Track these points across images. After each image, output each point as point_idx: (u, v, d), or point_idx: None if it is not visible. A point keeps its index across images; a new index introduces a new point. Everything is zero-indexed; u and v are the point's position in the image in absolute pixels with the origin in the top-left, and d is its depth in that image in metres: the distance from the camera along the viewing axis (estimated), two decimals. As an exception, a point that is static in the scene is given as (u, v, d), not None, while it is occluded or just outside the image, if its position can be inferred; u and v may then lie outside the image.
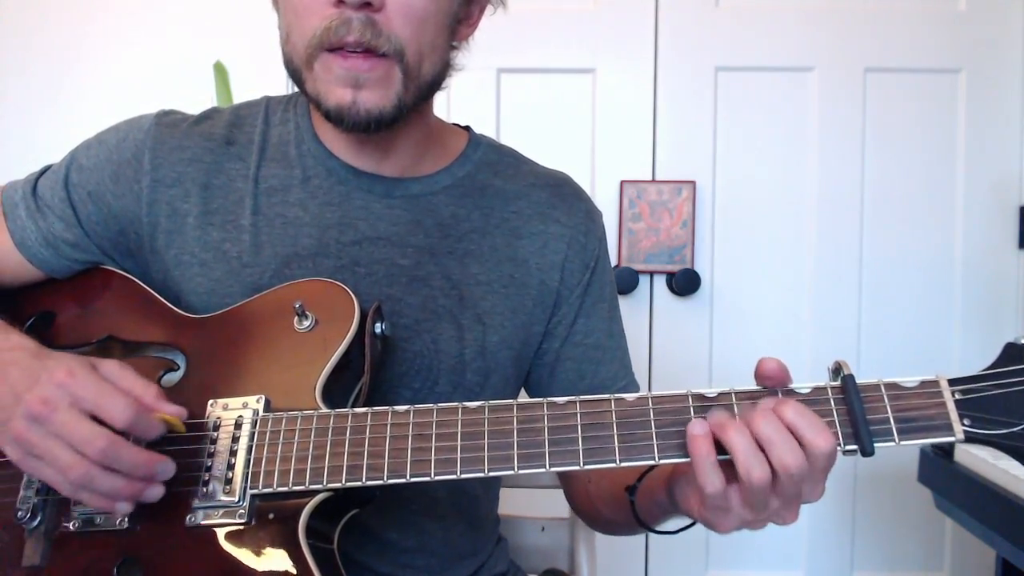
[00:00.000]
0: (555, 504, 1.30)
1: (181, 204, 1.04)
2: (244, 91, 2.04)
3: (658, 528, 0.96)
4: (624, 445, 0.79)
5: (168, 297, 1.03)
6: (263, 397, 0.88)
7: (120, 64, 2.23)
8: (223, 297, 1.00)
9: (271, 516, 0.84)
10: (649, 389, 2.26)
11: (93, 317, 1.03)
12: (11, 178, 1.11)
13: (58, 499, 0.87)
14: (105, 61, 2.23)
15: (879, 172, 2.24)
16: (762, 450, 0.75)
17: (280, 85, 2.18)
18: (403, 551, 1.06)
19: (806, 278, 2.26)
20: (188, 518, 0.84)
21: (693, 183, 2.22)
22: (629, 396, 0.81)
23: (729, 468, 0.76)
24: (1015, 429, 0.75)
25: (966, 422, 0.76)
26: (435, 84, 1.01)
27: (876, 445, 0.76)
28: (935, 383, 0.78)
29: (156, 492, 0.83)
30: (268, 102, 1.12)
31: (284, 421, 0.86)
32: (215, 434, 0.87)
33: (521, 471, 0.80)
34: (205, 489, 0.85)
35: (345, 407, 0.88)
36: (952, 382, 0.77)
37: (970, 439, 0.76)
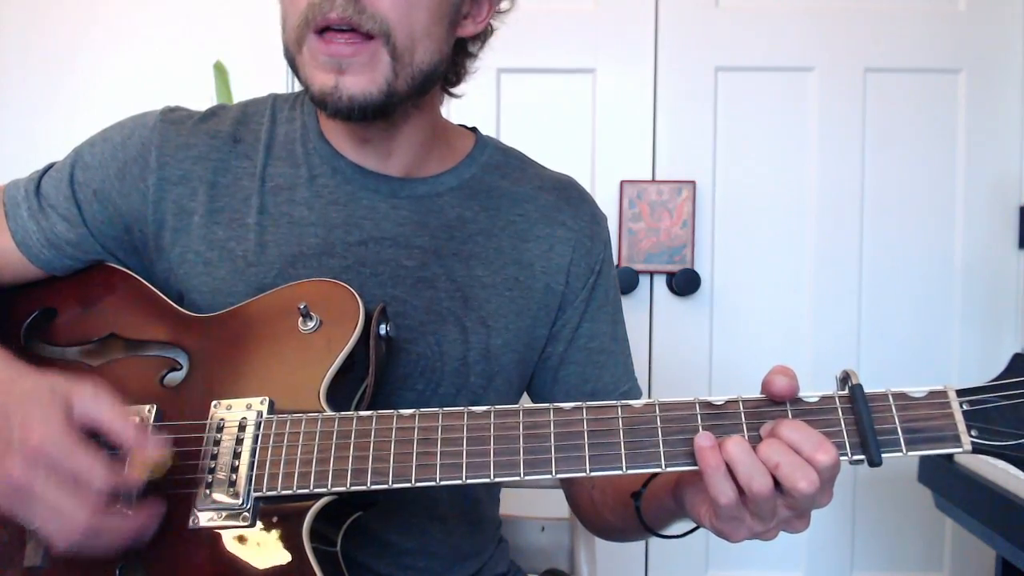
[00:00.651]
0: (555, 504, 1.30)
1: (188, 202, 1.03)
2: (244, 91, 2.03)
3: (664, 532, 0.96)
4: (631, 452, 0.79)
5: (172, 295, 1.02)
6: (267, 398, 0.88)
7: (120, 64, 2.22)
8: (227, 296, 1.00)
9: (275, 519, 0.83)
10: (649, 389, 2.27)
11: (95, 314, 1.03)
12: (11, 178, 1.10)
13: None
14: (105, 61, 2.23)
15: (879, 172, 2.24)
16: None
17: (280, 85, 2.19)
18: (404, 552, 1.06)
19: (806, 278, 2.26)
20: (191, 520, 0.84)
21: (693, 183, 2.22)
22: (636, 403, 0.81)
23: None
24: (1022, 440, 0.75)
25: (974, 433, 0.76)
26: (433, 75, 0.99)
27: (884, 455, 0.75)
28: (943, 393, 0.77)
29: (144, 539, 0.81)
30: (275, 100, 1.12)
31: (288, 423, 0.85)
32: (218, 435, 0.87)
33: (527, 477, 0.79)
34: (208, 491, 0.84)
35: (349, 409, 0.88)
36: (960, 393, 0.77)
37: (978, 450, 0.76)
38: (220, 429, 0.87)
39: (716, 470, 0.75)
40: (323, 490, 0.82)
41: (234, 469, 0.84)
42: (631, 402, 0.81)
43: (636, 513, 0.95)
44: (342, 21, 0.89)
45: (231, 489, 0.84)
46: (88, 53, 2.23)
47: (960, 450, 0.76)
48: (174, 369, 0.95)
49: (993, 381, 0.78)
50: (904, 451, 0.76)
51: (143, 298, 1.02)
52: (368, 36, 0.91)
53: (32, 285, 1.06)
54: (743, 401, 0.80)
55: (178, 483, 0.85)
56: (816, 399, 0.79)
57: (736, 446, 0.75)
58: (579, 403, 0.82)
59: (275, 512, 0.83)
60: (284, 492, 0.82)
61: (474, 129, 1.18)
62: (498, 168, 1.13)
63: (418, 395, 1.02)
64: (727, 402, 0.80)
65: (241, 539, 0.83)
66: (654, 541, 2.30)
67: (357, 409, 0.87)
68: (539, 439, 0.80)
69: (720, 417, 0.79)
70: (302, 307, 0.92)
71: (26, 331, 1.02)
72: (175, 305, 1.01)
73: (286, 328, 0.93)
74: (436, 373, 1.03)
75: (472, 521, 1.13)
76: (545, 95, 2.26)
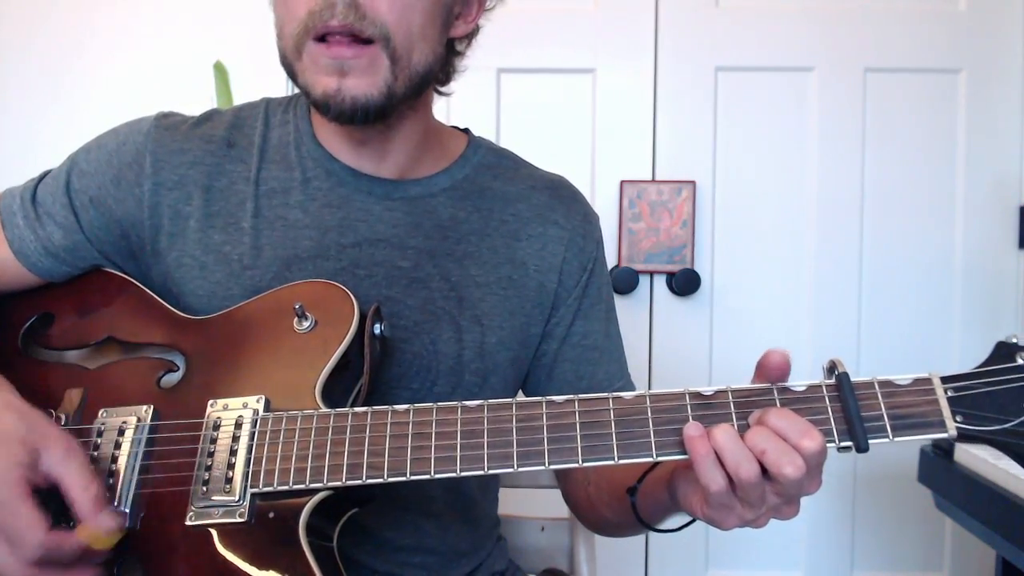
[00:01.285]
0: (555, 504, 1.30)
1: (183, 207, 1.04)
2: (244, 91, 2.05)
3: (659, 526, 0.97)
4: (622, 443, 0.80)
5: (168, 299, 1.03)
6: (263, 397, 0.89)
7: (120, 64, 2.23)
8: (223, 299, 1.00)
9: (271, 515, 0.84)
10: (648, 389, 2.26)
11: (92, 318, 1.03)
12: (11, 179, 1.10)
13: (57, 499, 0.87)
14: (105, 61, 2.23)
15: (879, 172, 2.24)
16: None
17: (280, 85, 2.18)
18: (399, 549, 1.06)
19: (806, 278, 2.26)
20: (188, 517, 0.84)
21: (693, 183, 2.22)
22: (627, 395, 0.82)
23: None
24: (1007, 426, 0.77)
25: (959, 419, 0.77)
26: (428, 76, 1.00)
27: (871, 441, 0.77)
28: (928, 380, 0.79)
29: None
30: (268, 104, 1.12)
31: (284, 420, 0.86)
32: (215, 434, 0.87)
33: (520, 469, 0.80)
34: (205, 488, 0.85)
35: (344, 407, 0.88)
36: (945, 379, 0.79)
37: (963, 435, 0.78)
38: (217, 427, 0.88)
39: (705, 458, 0.76)
40: (319, 485, 0.83)
41: (231, 466, 0.85)
42: (622, 394, 0.82)
43: (632, 508, 0.95)
44: (343, 28, 0.90)
45: (227, 486, 0.84)
46: (88, 53, 2.23)
47: (945, 435, 0.77)
48: (171, 371, 0.95)
49: (977, 368, 0.79)
50: (891, 437, 0.77)
51: (140, 301, 1.03)
52: (368, 41, 0.91)
53: (29, 290, 1.07)
54: (732, 391, 0.81)
55: (175, 481, 0.85)
56: (803, 388, 0.80)
57: (723, 434, 0.76)
58: (571, 396, 0.83)
59: (271, 508, 0.84)
60: (280, 488, 0.83)
61: (466, 130, 1.19)
62: (491, 168, 1.14)
63: (413, 394, 1.03)
64: (716, 392, 0.81)
65: (238, 536, 0.83)
66: (654, 540, 2.31)
67: (353, 408, 0.87)
68: (532, 431, 0.81)
69: (709, 407, 0.80)
70: (297, 307, 0.92)
71: (24, 336, 1.03)
72: (171, 308, 1.02)
73: (282, 328, 0.93)
74: (431, 372, 1.03)
75: (468, 518, 1.13)
76: (545, 95, 2.26)
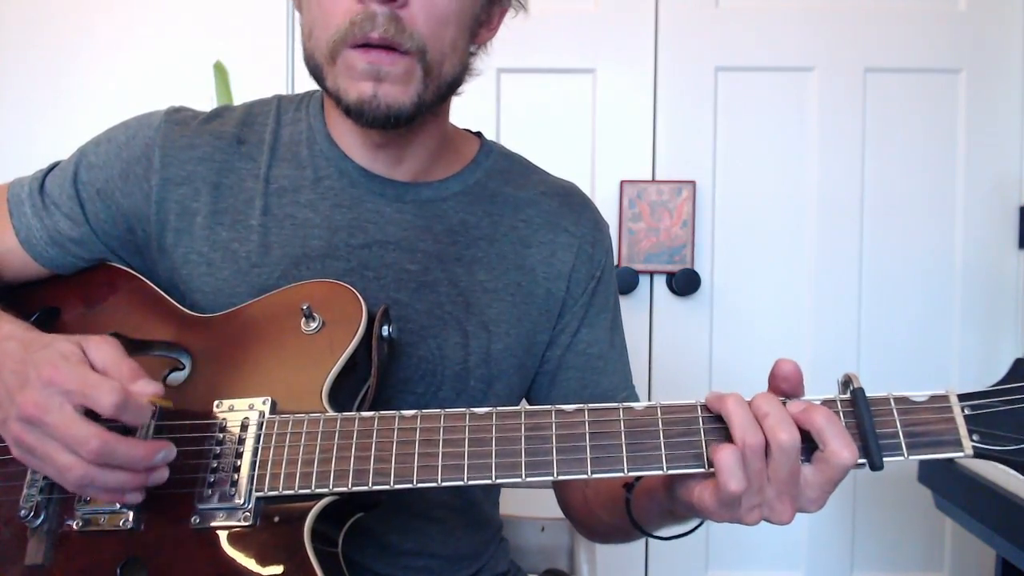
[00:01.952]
0: (555, 504, 1.30)
1: (191, 203, 1.03)
2: (244, 91, 2.05)
3: (652, 530, 0.95)
4: (632, 454, 0.79)
5: (174, 296, 1.02)
6: (269, 399, 0.88)
7: (120, 64, 2.22)
8: (230, 297, 1.00)
9: (276, 519, 0.83)
10: (649, 389, 2.26)
11: (98, 314, 1.03)
12: (11, 178, 1.10)
13: (62, 498, 0.87)
14: (105, 61, 2.23)
15: (879, 172, 2.24)
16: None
17: (280, 85, 2.19)
18: (403, 553, 1.06)
19: (806, 278, 2.26)
20: (193, 519, 0.84)
21: (693, 183, 2.22)
22: (637, 405, 0.81)
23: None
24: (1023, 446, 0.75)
25: (975, 438, 0.76)
26: (454, 85, 1.01)
27: (885, 459, 0.76)
28: (945, 398, 0.78)
29: (161, 476, 0.82)
30: (280, 101, 1.12)
31: (290, 423, 0.85)
32: (221, 435, 0.87)
33: (529, 479, 0.79)
34: (210, 491, 0.84)
35: (351, 410, 0.88)
36: (961, 397, 0.77)
37: (979, 455, 0.76)
38: (222, 429, 0.87)
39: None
40: (325, 490, 0.82)
41: (236, 469, 0.85)
42: (632, 404, 0.81)
43: (626, 505, 0.94)
44: (382, 40, 0.90)
45: (233, 489, 0.84)
46: (88, 53, 2.23)
47: (961, 454, 0.76)
48: (176, 369, 0.95)
49: (995, 386, 0.78)
50: (906, 455, 0.76)
51: (146, 298, 1.03)
52: (405, 52, 0.92)
53: (35, 284, 1.07)
54: (748, 404, 0.79)
55: (180, 483, 0.85)
56: (818, 403, 0.78)
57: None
58: (581, 405, 0.82)
59: (277, 512, 0.83)
60: (286, 492, 0.83)
61: (479, 134, 1.18)
62: (502, 173, 1.14)
63: (418, 398, 1.02)
64: None
65: (242, 539, 0.83)
66: (654, 541, 2.30)
67: (359, 410, 0.87)
68: (541, 440, 0.80)
69: (721, 420, 0.78)
70: (305, 308, 0.92)
71: (16, 319, 1.02)
72: (178, 305, 1.01)
73: (289, 329, 0.93)
74: (436, 377, 1.03)
75: (472, 522, 1.13)
76: (545, 95, 2.26)
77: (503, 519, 1.28)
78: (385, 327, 0.93)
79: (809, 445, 0.76)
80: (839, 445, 0.74)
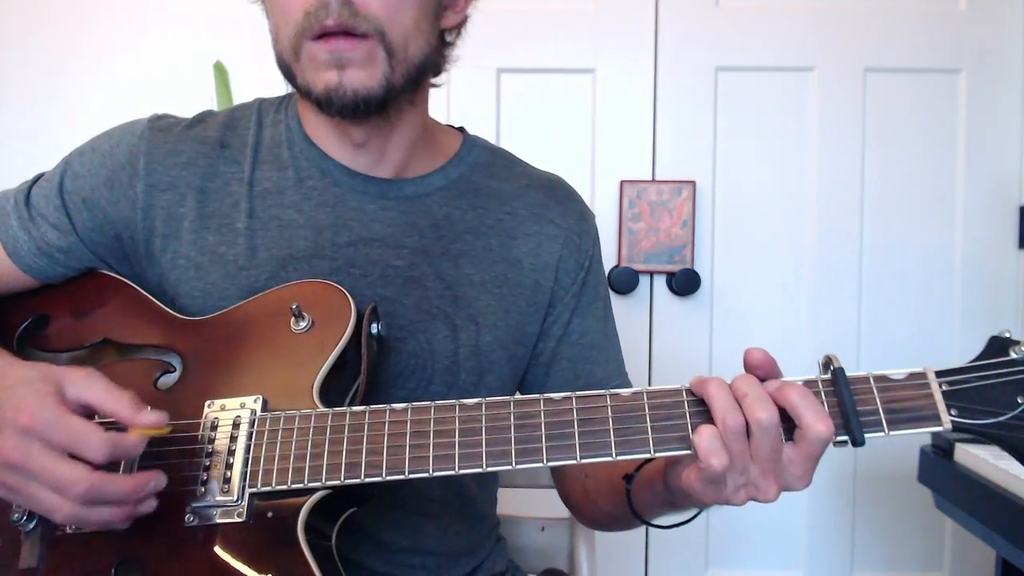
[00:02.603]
0: (555, 504, 1.30)
1: (177, 208, 1.04)
2: (244, 91, 2.05)
3: (652, 520, 0.97)
4: (620, 439, 0.80)
5: (164, 301, 1.03)
6: (260, 397, 0.89)
7: (120, 64, 2.23)
8: (219, 300, 1.00)
9: (270, 515, 0.84)
10: (643, 386, 2.26)
11: (88, 320, 1.03)
12: (11, 179, 1.11)
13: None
14: (105, 61, 2.23)
15: (879, 172, 2.24)
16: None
17: (280, 85, 2.17)
18: (398, 551, 1.06)
19: (806, 278, 2.26)
20: (186, 518, 0.84)
21: (693, 183, 2.22)
22: (624, 391, 0.83)
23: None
24: (1000, 419, 0.78)
25: (953, 412, 0.79)
26: (424, 67, 1.01)
27: (866, 435, 0.78)
28: (922, 375, 0.80)
29: (149, 506, 0.83)
30: (260, 104, 1.13)
31: (282, 420, 0.86)
32: (213, 434, 0.87)
33: (519, 466, 0.81)
34: (203, 489, 0.85)
35: (342, 407, 0.88)
36: (939, 373, 0.81)
37: (957, 428, 0.79)
38: (214, 428, 0.88)
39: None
40: (317, 484, 0.83)
41: (228, 466, 0.85)
42: (620, 391, 0.83)
43: (626, 496, 0.95)
44: (338, 26, 0.91)
45: (226, 486, 0.84)
46: (88, 53, 2.23)
47: (940, 428, 0.79)
48: (167, 372, 0.96)
49: (971, 362, 0.81)
50: (886, 430, 0.78)
51: (135, 303, 1.03)
52: (364, 36, 0.93)
53: (25, 292, 1.07)
54: (728, 386, 0.81)
55: (173, 482, 0.85)
56: (799, 383, 0.80)
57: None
58: (569, 393, 0.83)
59: (270, 508, 0.84)
60: (279, 487, 0.83)
61: (461, 129, 1.19)
62: (486, 167, 1.14)
63: (409, 393, 1.03)
64: None
65: (236, 536, 0.84)
66: (654, 540, 2.31)
67: (349, 407, 0.87)
68: (530, 428, 0.82)
69: (705, 403, 0.80)
70: (294, 307, 0.93)
71: (19, 338, 1.03)
72: (167, 309, 1.02)
73: (278, 328, 0.94)
74: (427, 371, 1.03)
75: (467, 519, 1.14)
76: (545, 95, 2.26)
77: (502, 519, 1.28)
78: (374, 324, 0.94)
79: (790, 424, 0.78)
80: (813, 419, 0.76)
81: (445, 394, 1.04)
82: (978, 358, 0.81)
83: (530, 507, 1.46)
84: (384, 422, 0.84)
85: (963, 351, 2.23)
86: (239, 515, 0.83)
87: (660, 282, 2.27)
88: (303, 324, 0.93)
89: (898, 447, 0.80)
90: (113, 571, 0.84)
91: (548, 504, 1.40)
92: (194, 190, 1.04)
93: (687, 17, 2.23)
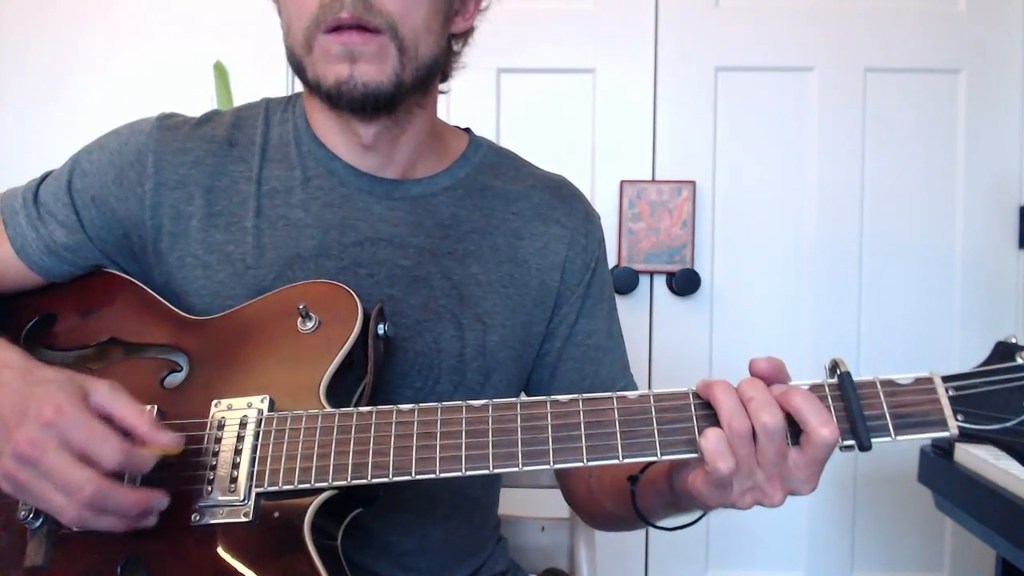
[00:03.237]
0: (555, 504, 1.30)
1: (185, 207, 1.04)
2: (244, 91, 2.05)
3: (657, 521, 0.97)
4: (627, 442, 0.80)
5: (171, 300, 1.03)
6: (267, 397, 0.89)
7: (120, 64, 2.23)
8: (226, 299, 1.00)
9: (276, 514, 0.84)
10: (649, 389, 2.26)
11: (95, 319, 1.03)
12: (11, 179, 1.10)
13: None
14: (105, 61, 2.23)
15: (879, 172, 2.24)
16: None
17: (280, 85, 2.19)
18: (404, 553, 1.06)
19: (806, 278, 2.26)
20: (193, 517, 0.84)
21: (693, 183, 2.22)
22: (631, 394, 0.83)
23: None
24: (1007, 424, 0.77)
25: (960, 418, 0.78)
26: (434, 68, 1.02)
27: (873, 440, 0.77)
28: (929, 380, 0.79)
29: (150, 522, 0.83)
30: (268, 103, 1.13)
31: (289, 420, 0.86)
32: (220, 433, 0.87)
33: (526, 468, 0.81)
34: (210, 488, 0.85)
35: (349, 407, 0.88)
36: (946, 379, 0.80)
37: (964, 434, 0.78)
38: (221, 427, 0.88)
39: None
40: (324, 484, 0.83)
41: (235, 466, 0.85)
42: (626, 393, 0.83)
43: (631, 497, 0.95)
44: (352, 19, 0.92)
45: (232, 486, 0.84)
46: (88, 53, 2.23)
47: (947, 434, 0.78)
48: (174, 371, 0.95)
49: (978, 368, 0.80)
50: (893, 436, 0.78)
51: (142, 302, 1.03)
52: (377, 31, 0.93)
53: (32, 291, 1.07)
54: (735, 390, 0.80)
55: (180, 481, 0.85)
56: (806, 387, 0.80)
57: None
58: (575, 395, 0.83)
59: (277, 508, 0.84)
60: (285, 487, 0.83)
61: (467, 130, 1.19)
62: (492, 168, 1.14)
63: (415, 393, 1.03)
64: None
65: (243, 535, 0.83)
66: (654, 540, 2.31)
67: (356, 407, 0.87)
68: (537, 431, 0.82)
69: (712, 406, 0.80)
70: (301, 307, 0.92)
71: (26, 336, 1.03)
72: (174, 308, 1.02)
73: (285, 328, 0.93)
74: (433, 371, 1.03)
75: (472, 520, 1.14)
76: (545, 95, 2.26)
77: (503, 519, 1.29)
78: (381, 325, 0.94)
79: (796, 429, 0.78)
80: (818, 423, 0.76)
81: (451, 394, 1.04)
82: (984, 363, 0.80)
83: (531, 507, 1.46)
84: (391, 423, 0.84)
85: (963, 350, 2.24)
86: (245, 515, 0.83)
87: (660, 282, 2.27)
88: (310, 324, 0.93)
89: (898, 447, 0.80)
90: (119, 569, 0.84)
91: (549, 504, 1.40)
92: (202, 189, 1.04)
93: (687, 17, 2.23)
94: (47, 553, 0.85)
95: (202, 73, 2.15)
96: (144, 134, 1.06)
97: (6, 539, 0.88)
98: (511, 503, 1.36)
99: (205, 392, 0.92)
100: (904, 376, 0.80)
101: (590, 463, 0.80)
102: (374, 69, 0.94)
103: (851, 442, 0.78)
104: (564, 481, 1.19)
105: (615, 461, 0.80)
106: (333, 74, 0.95)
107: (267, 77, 2.18)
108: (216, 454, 0.86)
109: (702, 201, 2.24)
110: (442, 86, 1.11)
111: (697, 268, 2.23)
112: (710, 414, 0.80)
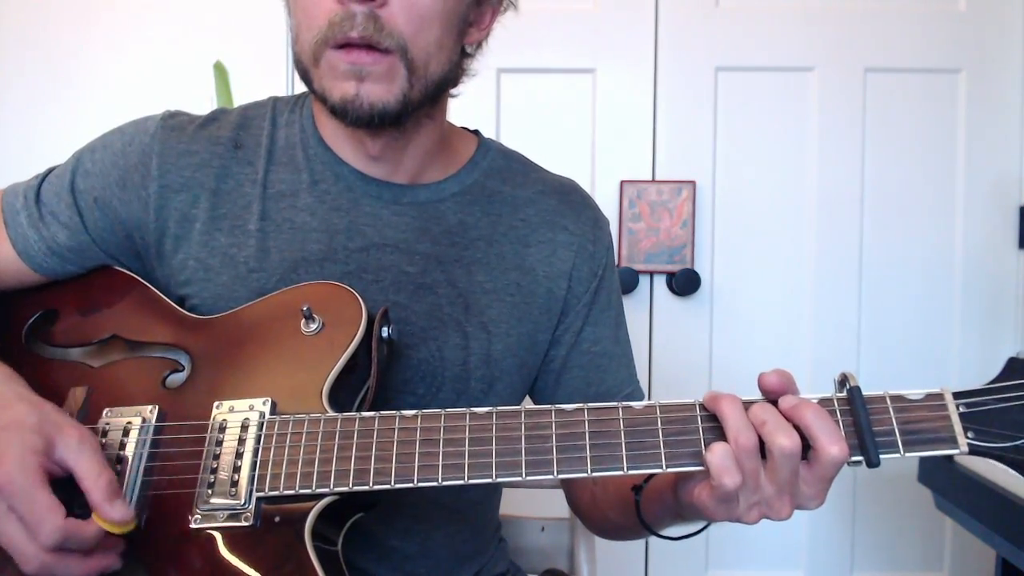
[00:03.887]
0: (555, 504, 1.30)
1: (190, 210, 1.03)
2: (244, 91, 2.05)
3: (661, 531, 0.96)
4: (632, 453, 0.79)
5: (174, 301, 1.02)
6: (269, 399, 0.88)
7: (120, 64, 2.23)
8: (229, 302, 0.99)
9: (277, 519, 0.83)
10: (649, 389, 2.26)
11: (97, 316, 1.02)
12: (12, 178, 1.10)
13: (73, 488, 0.86)
14: (105, 61, 2.23)
15: (879, 172, 2.24)
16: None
17: (280, 85, 2.19)
18: (406, 557, 1.06)
19: (806, 278, 2.26)
20: (193, 520, 0.83)
21: (693, 183, 2.22)
22: (637, 404, 0.82)
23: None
24: (1017, 443, 0.76)
25: (970, 435, 0.77)
26: (444, 84, 1.00)
27: (881, 456, 0.76)
28: (940, 396, 0.78)
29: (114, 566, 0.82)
30: (275, 103, 1.11)
31: (291, 424, 0.85)
32: (221, 436, 0.86)
33: (529, 477, 0.80)
34: (210, 491, 0.84)
35: (351, 411, 0.87)
36: (957, 395, 0.78)
37: (974, 452, 0.77)
38: (222, 429, 0.87)
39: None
40: (325, 490, 0.82)
41: (236, 469, 0.84)
42: (632, 404, 0.82)
43: (635, 507, 0.95)
44: (362, 39, 0.90)
45: (233, 489, 0.83)
46: (88, 53, 2.23)
47: (957, 451, 0.77)
48: (176, 370, 0.95)
49: (989, 384, 0.79)
50: (902, 452, 0.77)
51: (145, 300, 1.02)
52: (386, 51, 0.91)
53: (33, 287, 1.06)
54: (744, 403, 0.80)
55: (180, 483, 0.85)
56: (815, 401, 0.79)
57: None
58: (580, 404, 0.82)
59: (277, 512, 0.83)
60: (286, 492, 0.82)
61: (476, 132, 1.18)
62: (500, 173, 1.13)
63: (418, 399, 1.02)
64: None
65: (243, 539, 0.83)
66: (655, 541, 2.30)
67: (359, 411, 0.86)
68: (541, 440, 0.81)
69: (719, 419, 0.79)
70: (305, 309, 0.92)
71: (27, 332, 1.02)
72: (177, 307, 1.01)
73: (289, 330, 0.93)
74: (437, 378, 1.03)
75: (473, 524, 1.13)
76: (545, 95, 2.26)
77: (503, 519, 1.28)
78: (385, 328, 0.93)
79: (804, 444, 0.76)
80: (827, 441, 0.75)
81: (455, 401, 1.03)
82: (996, 380, 0.79)
83: (530, 507, 1.46)
84: (394, 428, 0.83)
85: (963, 350, 2.24)
86: (246, 519, 0.82)
87: (660, 282, 2.27)
88: (314, 326, 0.92)
89: (903, 459, 0.79)
90: (118, 572, 0.83)
91: (548, 504, 1.40)
92: (207, 191, 1.03)
93: (687, 17, 2.23)
94: None
95: (202, 73, 2.15)
96: (148, 135, 1.04)
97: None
98: (511, 503, 1.36)
99: (207, 393, 0.91)
100: (914, 392, 0.79)
101: (594, 474, 0.79)
102: (381, 89, 0.93)
103: (859, 458, 0.77)
104: (569, 489, 1.19)
105: (619, 472, 0.79)
106: (339, 91, 0.93)
107: (267, 77, 2.17)
108: (217, 457, 0.85)
109: (702, 201, 2.24)
110: (453, 91, 1.10)
111: (697, 268, 2.23)
112: (716, 427, 0.79)
